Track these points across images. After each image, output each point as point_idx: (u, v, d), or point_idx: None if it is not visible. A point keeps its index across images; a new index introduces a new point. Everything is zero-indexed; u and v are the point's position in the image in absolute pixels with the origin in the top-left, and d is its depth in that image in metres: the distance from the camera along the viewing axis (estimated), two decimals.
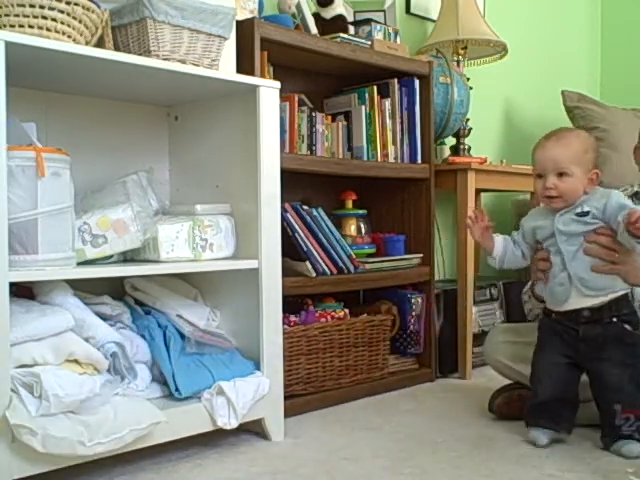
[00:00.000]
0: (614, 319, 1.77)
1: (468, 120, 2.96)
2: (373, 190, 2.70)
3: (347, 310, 2.38)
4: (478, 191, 3.05)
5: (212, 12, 1.76)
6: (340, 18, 2.45)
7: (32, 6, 1.48)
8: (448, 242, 3.10)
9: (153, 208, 1.89)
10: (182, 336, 1.86)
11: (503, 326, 2.38)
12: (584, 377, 1.99)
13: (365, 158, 2.48)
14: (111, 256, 1.72)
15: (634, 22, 4.10)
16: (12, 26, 1.48)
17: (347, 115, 2.54)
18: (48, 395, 1.45)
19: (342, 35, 2.38)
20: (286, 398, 1.97)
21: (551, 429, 1.83)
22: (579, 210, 1.76)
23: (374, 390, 2.40)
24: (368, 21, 2.58)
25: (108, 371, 1.62)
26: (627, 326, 1.77)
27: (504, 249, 1.90)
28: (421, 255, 2.60)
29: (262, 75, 2.04)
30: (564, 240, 1.77)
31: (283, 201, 1.95)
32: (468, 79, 2.97)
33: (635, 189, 2.13)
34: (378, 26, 2.58)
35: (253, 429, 1.91)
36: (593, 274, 1.76)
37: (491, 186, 2.90)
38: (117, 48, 1.70)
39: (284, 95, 2.17)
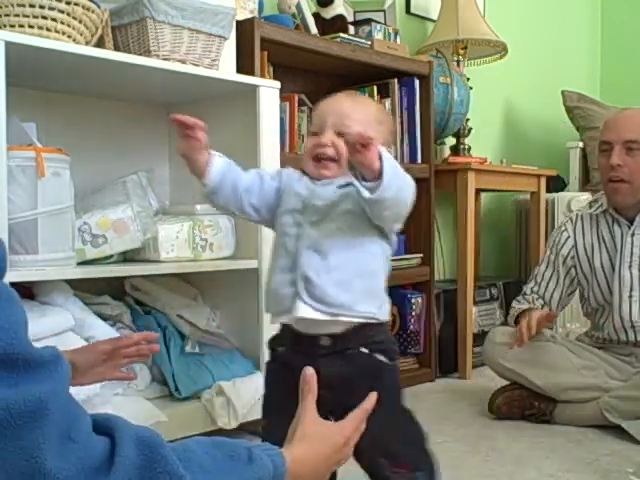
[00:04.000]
0: (362, 349, 1.21)
1: (468, 120, 2.96)
2: None
3: None
4: (478, 191, 3.05)
5: (212, 12, 1.76)
6: (340, 18, 2.45)
7: (32, 6, 1.48)
8: (448, 242, 3.10)
9: (153, 208, 1.89)
10: (182, 336, 1.86)
11: (503, 328, 2.37)
12: (587, 379, 1.99)
13: None
14: (111, 256, 1.72)
15: (634, 22, 4.11)
16: (12, 26, 1.48)
17: None
18: None
19: (342, 35, 2.37)
20: None
21: None
22: (343, 182, 1.23)
23: None
24: (368, 21, 2.58)
25: None
26: (382, 358, 1.22)
27: (223, 176, 1.32)
28: (421, 255, 2.60)
29: (262, 75, 2.04)
30: (313, 221, 1.22)
31: None
32: (468, 79, 2.96)
33: (604, 206, 2.12)
34: (378, 26, 2.58)
35: (253, 429, 1.91)
36: (324, 276, 1.18)
37: (491, 186, 2.90)
38: (117, 48, 1.70)
39: (284, 95, 2.17)
